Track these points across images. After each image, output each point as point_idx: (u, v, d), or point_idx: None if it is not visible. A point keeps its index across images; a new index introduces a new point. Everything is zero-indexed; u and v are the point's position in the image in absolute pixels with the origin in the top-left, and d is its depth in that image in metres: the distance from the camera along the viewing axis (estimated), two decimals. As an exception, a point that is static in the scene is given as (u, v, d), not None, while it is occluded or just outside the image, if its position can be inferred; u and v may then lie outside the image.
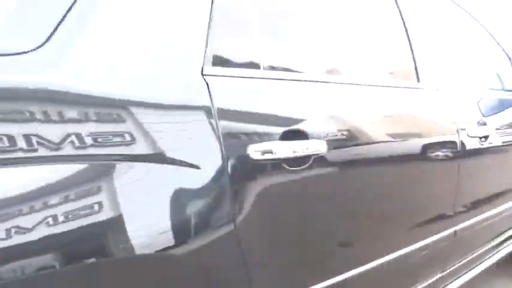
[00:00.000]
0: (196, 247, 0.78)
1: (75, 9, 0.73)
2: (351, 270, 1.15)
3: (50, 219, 0.62)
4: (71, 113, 0.67)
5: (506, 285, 2.38)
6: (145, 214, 0.72)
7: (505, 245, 2.07)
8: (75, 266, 0.65)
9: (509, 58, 2.18)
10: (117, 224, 0.69)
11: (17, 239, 0.59)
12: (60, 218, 0.63)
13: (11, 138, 0.61)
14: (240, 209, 0.86)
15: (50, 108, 0.65)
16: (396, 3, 1.48)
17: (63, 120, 0.66)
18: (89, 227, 0.66)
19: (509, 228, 2.08)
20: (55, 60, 0.69)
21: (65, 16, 0.72)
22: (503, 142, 1.86)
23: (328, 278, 1.08)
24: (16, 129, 0.62)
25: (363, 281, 1.21)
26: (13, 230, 0.59)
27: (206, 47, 0.89)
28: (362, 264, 1.18)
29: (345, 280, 1.13)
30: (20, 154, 0.61)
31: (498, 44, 2.14)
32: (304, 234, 1.02)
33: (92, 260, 0.67)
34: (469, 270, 1.77)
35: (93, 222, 0.66)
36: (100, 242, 0.68)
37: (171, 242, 0.75)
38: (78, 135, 0.67)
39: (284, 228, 0.97)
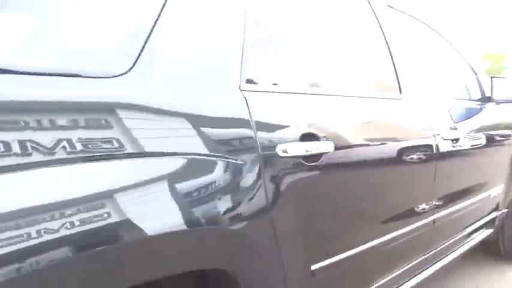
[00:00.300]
0: (243, 218, 1.02)
1: (149, 44, 0.95)
2: (354, 248, 1.40)
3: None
4: (152, 119, 0.90)
5: (476, 273, 2.65)
6: (212, 191, 0.96)
7: (473, 235, 2.33)
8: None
9: (475, 72, 2.46)
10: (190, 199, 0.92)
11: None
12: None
13: (105, 139, 0.81)
14: (271, 192, 1.10)
15: (136, 116, 0.88)
16: (382, 33, 1.74)
17: (146, 124, 0.89)
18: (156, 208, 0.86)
19: (476, 221, 2.35)
20: (138, 81, 0.91)
21: (142, 48, 0.94)
22: (471, 145, 2.16)
23: (333, 256, 1.33)
24: (111, 133, 0.83)
25: (365, 259, 1.46)
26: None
27: (241, 68, 1.13)
28: (361, 244, 1.43)
29: (348, 257, 1.37)
30: (129, 151, 0.84)
31: (465, 60, 2.42)
32: (316, 214, 1.26)
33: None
34: (446, 255, 2.05)
35: (163, 199, 0.87)
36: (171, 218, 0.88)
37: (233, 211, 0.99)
38: (157, 137, 0.89)
39: (303, 208, 1.20)
